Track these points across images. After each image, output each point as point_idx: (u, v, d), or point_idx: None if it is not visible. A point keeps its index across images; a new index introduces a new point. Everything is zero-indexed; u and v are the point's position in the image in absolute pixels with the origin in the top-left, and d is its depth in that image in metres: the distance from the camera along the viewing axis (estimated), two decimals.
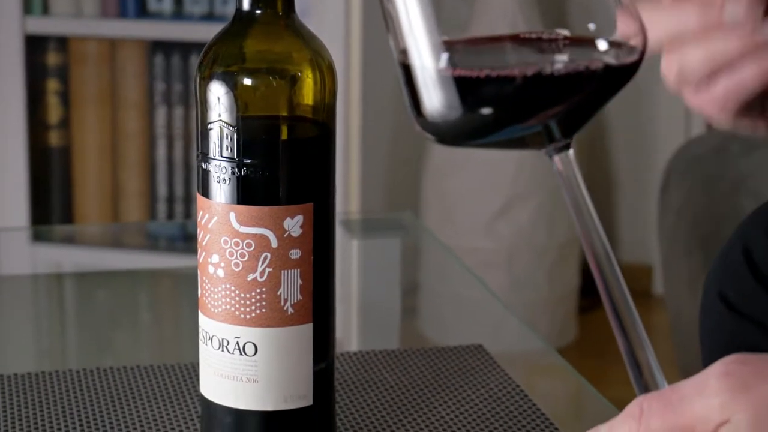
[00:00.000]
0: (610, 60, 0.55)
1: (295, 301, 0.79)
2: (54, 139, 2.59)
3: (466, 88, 0.53)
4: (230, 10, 2.67)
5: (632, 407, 0.56)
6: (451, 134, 0.55)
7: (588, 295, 2.98)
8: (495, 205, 2.74)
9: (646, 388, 0.57)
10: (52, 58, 2.55)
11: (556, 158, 0.57)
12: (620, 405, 0.98)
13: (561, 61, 0.54)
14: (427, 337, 2.53)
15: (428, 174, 2.80)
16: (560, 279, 2.81)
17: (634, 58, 0.55)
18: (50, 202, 2.61)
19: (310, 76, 0.79)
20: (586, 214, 0.58)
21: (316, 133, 0.80)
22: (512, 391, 0.96)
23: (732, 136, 2.30)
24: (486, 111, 0.53)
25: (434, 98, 0.54)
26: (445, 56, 0.54)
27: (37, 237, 2.26)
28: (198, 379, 0.84)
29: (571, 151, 0.57)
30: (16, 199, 2.54)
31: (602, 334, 2.95)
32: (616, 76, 0.55)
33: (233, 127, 0.78)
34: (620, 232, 3.21)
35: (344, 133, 2.43)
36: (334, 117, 0.81)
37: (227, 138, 0.78)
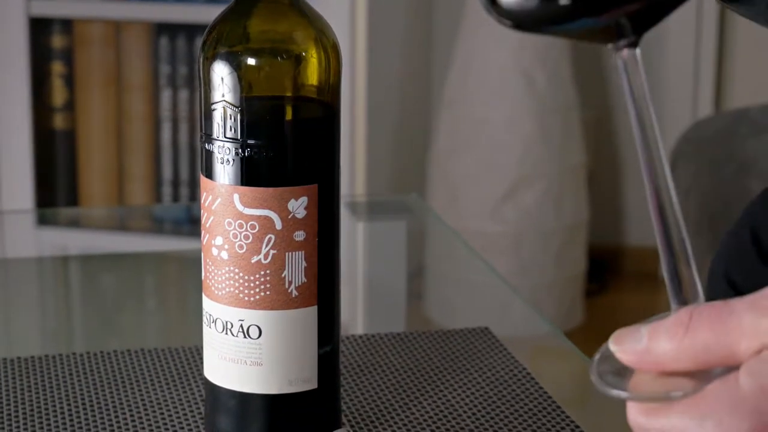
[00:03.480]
0: None
1: (300, 283, 0.79)
2: (59, 122, 2.58)
3: None
4: None
5: (682, 315, 0.54)
6: (526, 21, 0.57)
7: (595, 279, 2.97)
8: (501, 188, 2.73)
9: (684, 304, 0.56)
10: (57, 41, 2.54)
11: (623, 54, 0.58)
12: None
13: None
14: (433, 320, 2.53)
15: (434, 156, 2.80)
16: (567, 262, 2.80)
17: None
18: (55, 186, 2.61)
19: (315, 55, 0.78)
20: (647, 117, 0.58)
21: (321, 114, 0.79)
22: (518, 374, 0.95)
23: (738, 119, 2.30)
24: (562, 0, 0.55)
25: None
26: None
27: (43, 220, 2.25)
28: (203, 362, 0.83)
29: (638, 50, 0.58)
30: (22, 183, 2.53)
31: (609, 318, 2.95)
32: None
33: (237, 107, 0.77)
34: (627, 215, 3.20)
35: (350, 115, 2.42)
36: (338, 97, 0.80)
37: (231, 118, 0.77)
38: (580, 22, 0.56)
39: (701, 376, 0.54)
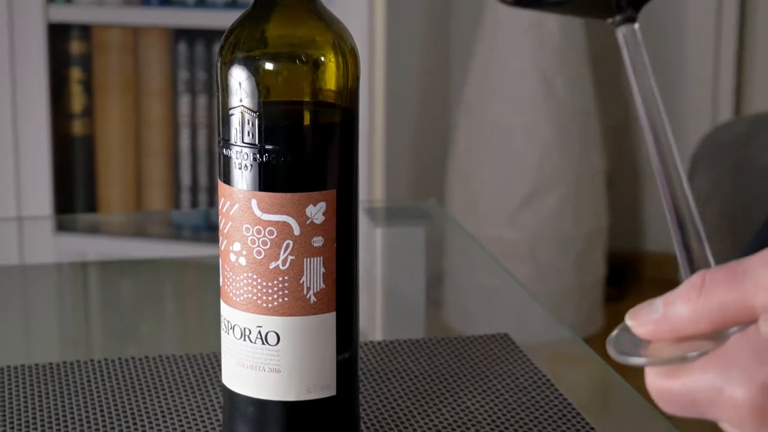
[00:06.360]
0: None
1: (318, 289, 0.78)
2: (77, 128, 2.58)
3: None
4: None
5: (694, 278, 0.54)
6: None
7: (614, 284, 2.96)
8: (520, 194, 2.72)
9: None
10: (76, 47, 2.54)
11: (621, 30, 0.57)
12: (647, 394, 0.96)
13: None
14: (452, 326, 2.52)
15: (453, 162, 2.79)
16: (586, 268, 2.79)
17: None
18: (74, 192, 2.61)
19: (333, 60, 0.78)
20: (648, 92, 0.58)
21: (339, 119, 0.79)
22: (538, 381, 0.95)
23: (758, 123, 2.29)
24: None
25: None
26: None
27: (61, 226, 2.25)
28: (221, 369, 0.83)
29: (636, 25, 0.57)
30: (40, 189, 2.54)
31: None
32: None
33: (255, 112, 0.77)
34: (646, 221, 3.19)
35: (368, 120, 2.42)
36: (357, 102, 0.79)
37: (249, 124, 0.77)
38: None
39: (717, 336, 0.54)
